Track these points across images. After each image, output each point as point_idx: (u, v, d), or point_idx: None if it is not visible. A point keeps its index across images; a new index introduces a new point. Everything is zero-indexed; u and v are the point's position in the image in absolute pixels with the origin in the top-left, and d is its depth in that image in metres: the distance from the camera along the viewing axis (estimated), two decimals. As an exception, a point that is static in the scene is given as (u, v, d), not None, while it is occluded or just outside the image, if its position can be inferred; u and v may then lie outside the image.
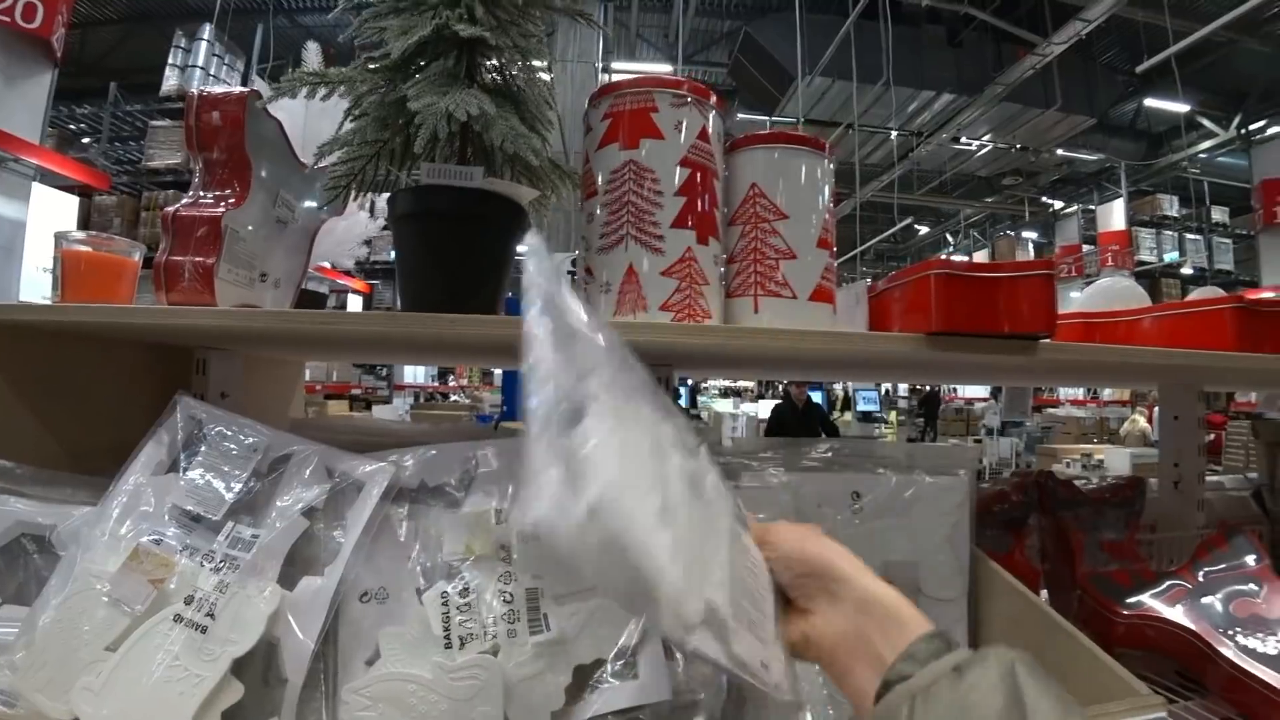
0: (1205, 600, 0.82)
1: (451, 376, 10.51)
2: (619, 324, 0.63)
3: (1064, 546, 1.06)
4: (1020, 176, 10.88)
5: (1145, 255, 9.71)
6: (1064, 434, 6.70)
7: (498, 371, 7.29)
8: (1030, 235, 12.41)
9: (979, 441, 4.91)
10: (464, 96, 0.62)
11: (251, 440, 0.70)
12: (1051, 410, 8.23)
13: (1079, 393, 8.88)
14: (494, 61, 0.76)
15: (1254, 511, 1.35)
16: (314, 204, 0.92)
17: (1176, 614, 0.82)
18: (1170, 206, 10.02)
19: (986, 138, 9.36)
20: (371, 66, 0.73)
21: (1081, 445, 5.35)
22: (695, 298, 0.67)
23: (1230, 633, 0.77)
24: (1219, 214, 10.26)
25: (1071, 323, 1.04)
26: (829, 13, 7.06)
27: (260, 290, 0.83)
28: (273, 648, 0.62)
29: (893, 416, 9.49)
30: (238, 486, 0.66)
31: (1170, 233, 9.92)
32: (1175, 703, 0.79)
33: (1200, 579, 0.86)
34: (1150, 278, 9.31)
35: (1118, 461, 4.11)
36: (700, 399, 12.72)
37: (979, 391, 10.05)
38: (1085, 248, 10.34)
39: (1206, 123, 9.18)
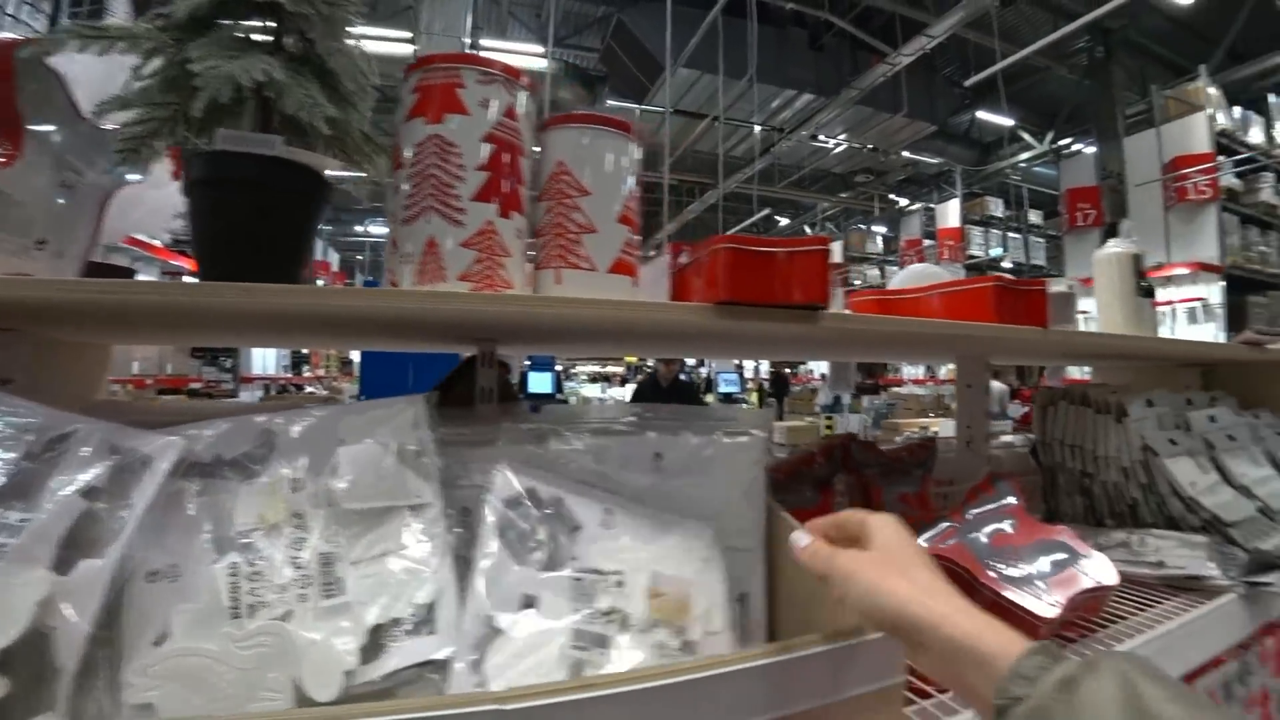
0: (971, 536, 0.95)
1: (307, 366, 9.83)
2: (418, 292, 0.64)
3: (867, 500, 1.18)
4: (871, 175, 11.76)
5: (975, 250, 10.82)
6: (905, 409, 7.37)
7: (356, 359, 6.92)
8: (880, 229, 13.41)
9: (830, 420, 5.27)
10: (252, 62, 0.61)
11: (23, 420, 0.65)
12: (896, 389, 9.06)
13: (919, 372, 9.76)
14: (300, 29, 0.74)
15: (1031, 465, 1.57)
16: (107, 168, 0.85)
17: (946, 549, 0.94)
18: (996, 208, 11.21)
19: (842, 137, 10.00)
20: (159, 24, 0.70)
21: (920, 419, 5.93)
22: (495, 269, 0.69)
23: (989, 562, 0.90)
24: (1035, 217, 11.68)
25: (868, 299, 1.16)
26: (700, 6, 7.25)
27: (38, 259, 0.77)
28: (45, 638, 0.58)
29: (754, 398, 9.99)
30: (4, 470, 0.62)
31: (996, 231, 11.09)
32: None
33: (968, 518, 0.99)
34: (979, 270, 10.36)
35: (948, 431, 4.58)
36: (568, 384, 12.77)
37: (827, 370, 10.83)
38: (926, 242, 11.34)
39: (1026, 136, 10.33)
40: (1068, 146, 9.82)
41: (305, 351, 9.88)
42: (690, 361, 12.12)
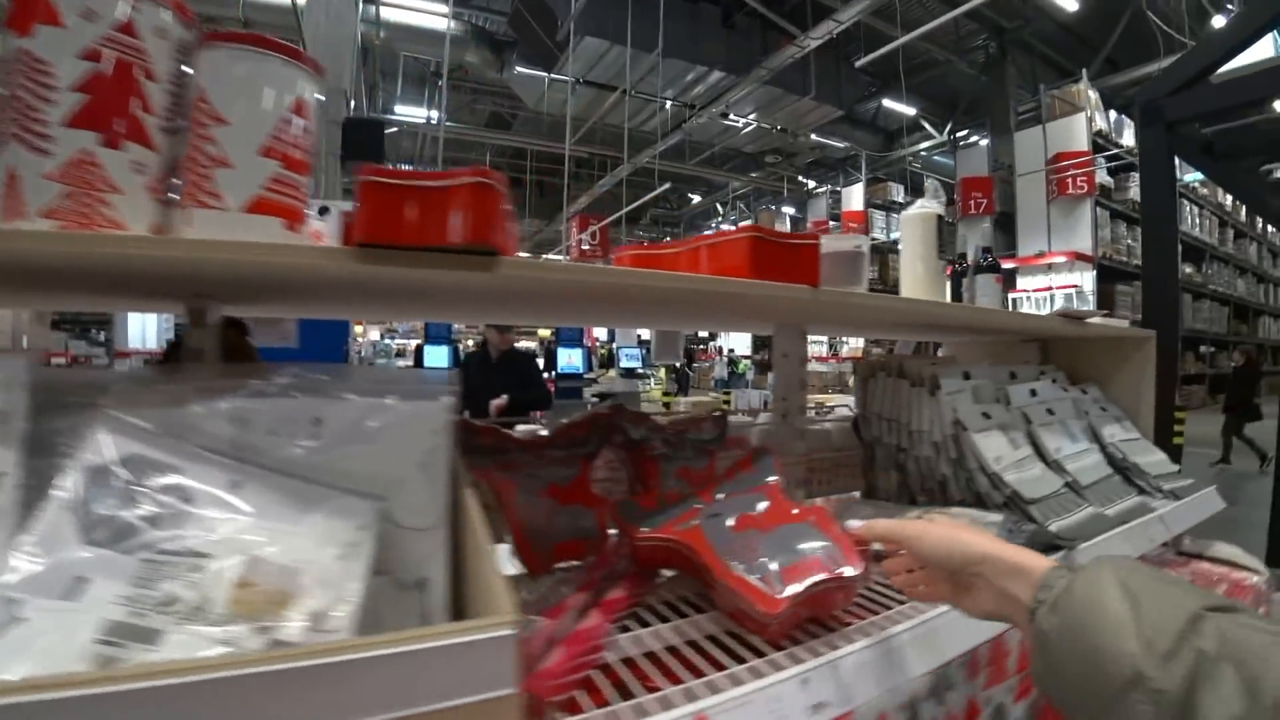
0: (713, 518, 0.83)
1: None
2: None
3: (640, 476, 1.06)
4: (780, 156, 11.85)
5: (877, 233, 11.11)
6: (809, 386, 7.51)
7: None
8: (789, 210, 13.60)
9: (727, 394, 5.25)
10: None
11: None
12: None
13: (823, 351, 9.97)
14: None
15: (852, 440, 1.49)
16: None
17: (679, 532, 0.82)
18: (898, 193, 11.54)
19: (752, 116, 9.99)
20: None
21: (820, 395, 6.02)
22: (95, 206, 0.57)
23: (726, 547, 0.78)
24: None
25: (630, 254, 1.03)
26: (611, -26, 7.02)
27: None
28: None
29: (662, 373, 9.94)
30: None
31: (896, 215, 11.43)
32: (678, 619, 0.79)
33: (718, 498, 0.88)
34: (880, 252, 10.65)
35: (843, 407, 4.65)
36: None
37: (741, 350, 10.93)
38: (831, 223, 11.56)
39: (927, 126, 10.65)
40: (965, 138, 10.20)
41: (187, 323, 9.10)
42: (601, 334, 11.93)
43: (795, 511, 0.84)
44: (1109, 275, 8.25)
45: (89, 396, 0.59)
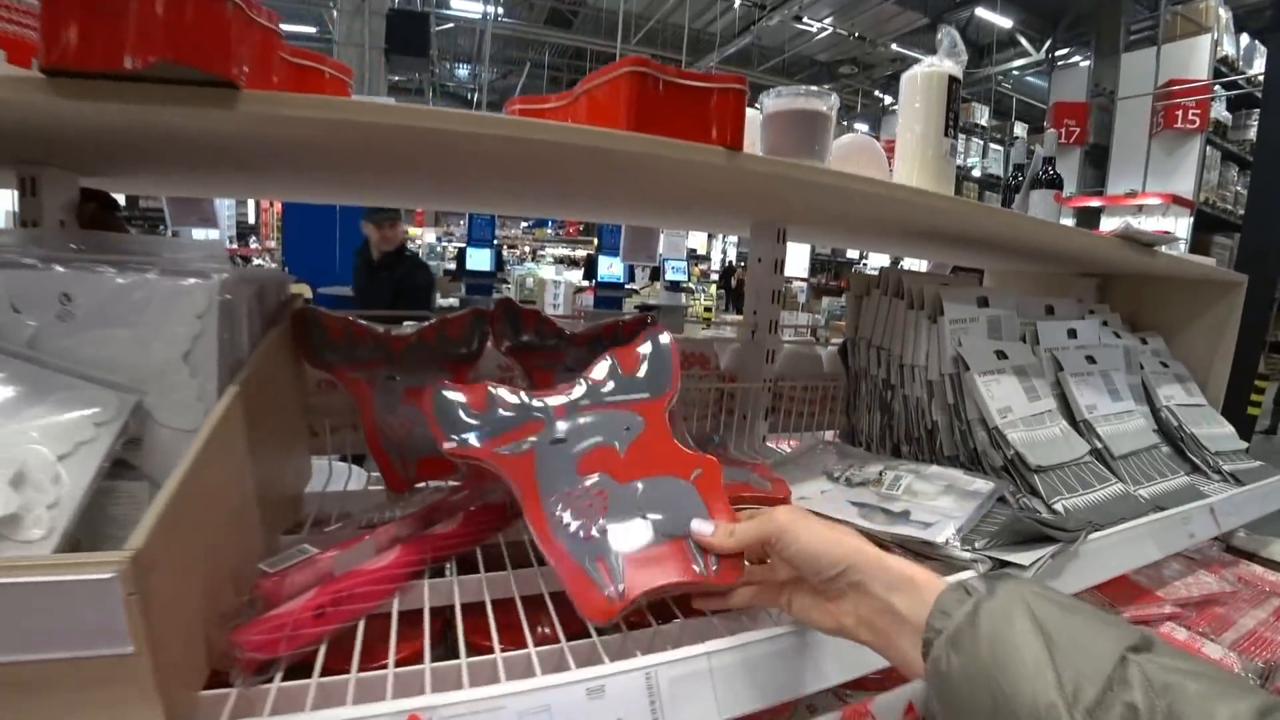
0: (558, 444, 0.60)
1: (255, 238, 9.33)
2: None
3: (530, 384, 0.83)
4: (856, 67, 10.90)
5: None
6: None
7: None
8: (861, 127, 12.67)
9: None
10: None
11: None
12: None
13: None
14: None
15: (832, 368, 1.23)
16: None
17: (507, 458, 0.59)
18: (981, 116, 10.53)
19: (828, 20, 9.13)
20: None
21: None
22: None
23: (560, 495, 0.56)
24: (1020, 129, 10.98)
25: (520, 108, 0.77)
26: None
27: None
28: None
29: (713, 289, 9.55)
30: None
31: (978, 141, 10.48)
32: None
33: (576, 405, 0.64)
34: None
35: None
36: (526, 265, 12.20)
37: (797, 270, 10.45)
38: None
39: (1023, 41, 9.55)
40: (1065, 57, 9.12)
41: (252, 221, 9.33)
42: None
43: (677, 456, 0.60)
44: (1208, 224, 7.40)
45: None
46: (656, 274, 9.86)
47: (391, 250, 3.31)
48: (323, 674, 0.50)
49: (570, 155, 0.59)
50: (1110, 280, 1.50)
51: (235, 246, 8.52)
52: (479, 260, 7.71)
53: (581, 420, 0.62)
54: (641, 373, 0.68)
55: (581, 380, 0.65)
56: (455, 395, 0.62)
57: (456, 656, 0.54)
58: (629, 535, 0.54)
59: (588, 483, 0.57)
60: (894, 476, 0.80)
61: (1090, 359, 1.10)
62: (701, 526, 0.55)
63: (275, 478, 0.73)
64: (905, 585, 0.46)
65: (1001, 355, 0.97)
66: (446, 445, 0.59)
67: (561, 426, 0.62)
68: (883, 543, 0.70)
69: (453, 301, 7.82)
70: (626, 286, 8.35)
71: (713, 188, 0.75)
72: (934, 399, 0.96)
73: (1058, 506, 0.80)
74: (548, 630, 0.56)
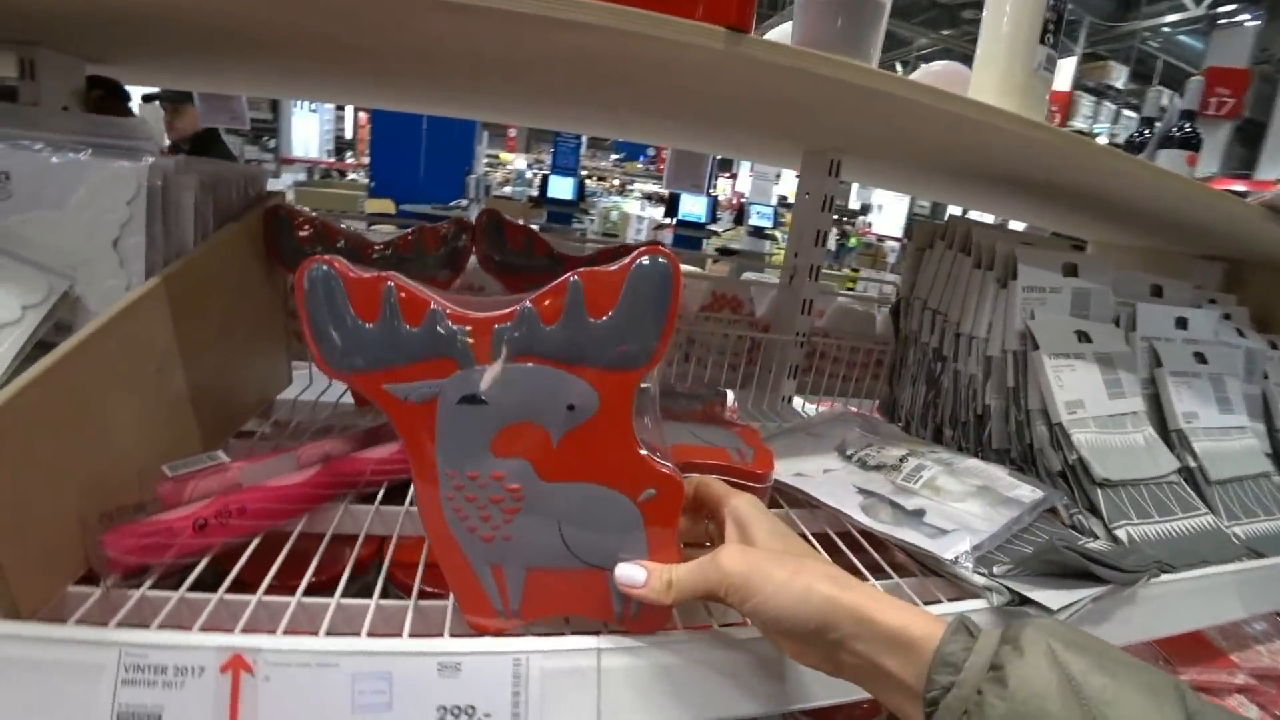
0: (469, 403, 0.49)
1: (351, 153, 9.61)
2: None
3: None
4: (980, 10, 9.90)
5: (1080, 123, 9.26)
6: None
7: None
8: (979, 84, 11.62)
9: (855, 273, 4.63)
10: None
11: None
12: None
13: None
14: None
15: (885, 330, 1.07)
16: None
17: (404, 406, 0.49)
18: (1119, 78, 9.44)
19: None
20: None
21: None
22: None
23: (457, 482, 0.46)
24: (1164, 97, 9.80)
25: None
26: None
27: None
28: None
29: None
30: None
31: (1110, 105, 9.44)
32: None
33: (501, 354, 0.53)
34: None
35: None
36: (612, 198, 12.04)
37: (891, 226, 9.89)
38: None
39: (1184, -9, 8.41)
40: (1230, 14, 8.00)
41: (349, 136, 9.58)
42: (745, 187, 11.06)
43: (628, 461, 0.43)
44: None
45: None
46: (741, 217, 9.53)
47: (184, 140, 2.77)
48: (226, 587, 0.47)
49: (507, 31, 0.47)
50: (1241, 267, 1.25)
51: (331, 160, 8.80)
52: (561, 188, 7.69)
53: (510, 378, 0.42)
54: (613, 318, 0.42)
55: (527, 305, 0.42)
56: (338, 283, 0.42)
57: (365, 593, 0.48)
58: (539, 550, 0.43)
59: (501, 468, 0.42)
60: (916, 465, 0.66)
61: (1200, 357, 0.91)
62: (631, 573, 0.42)
63: (228, 380, 0.68)
64: (897, 646, 0.37)
65: (1084, 337, 0.79)
66: (321, 362, 0.43)
67: (481, 376, 0.42)
68: (878, 556, 0.58)
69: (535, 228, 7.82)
70: (708, 227, 8.14)
71: (721, 89, 0.61)
72: (990, 379, 0.81)
73: (1120, 533, 0.65)
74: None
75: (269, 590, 0.47)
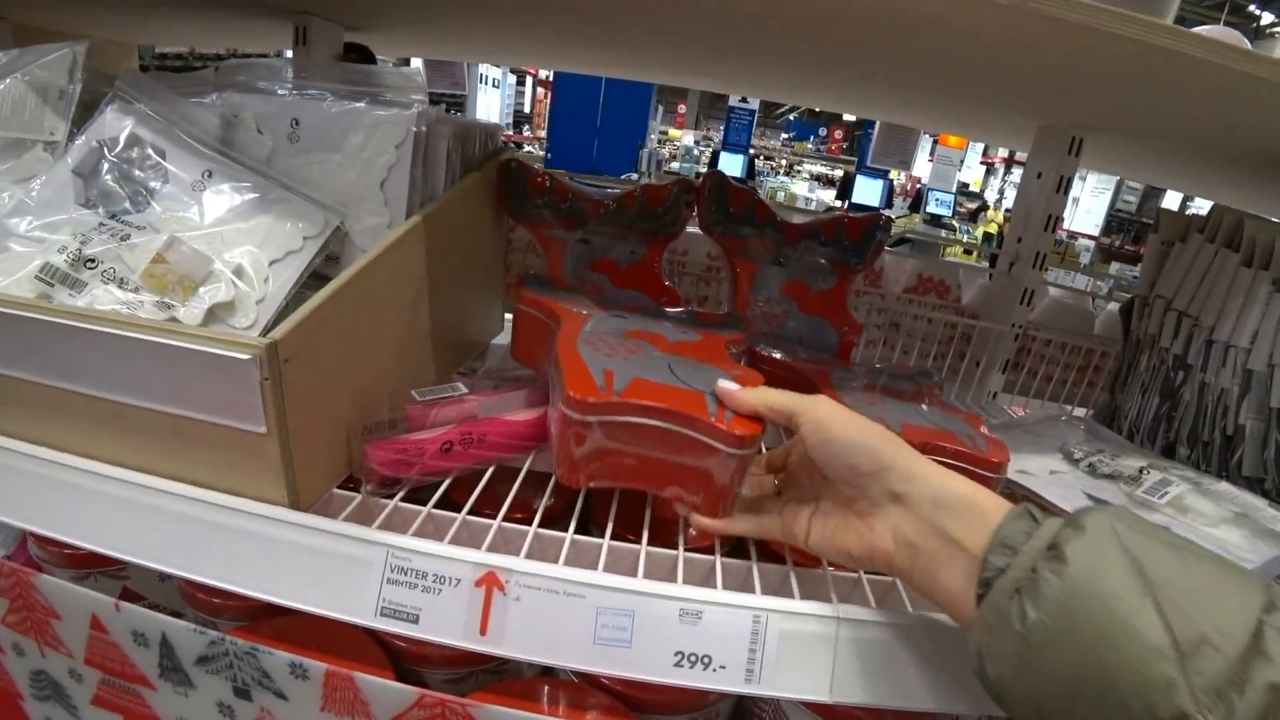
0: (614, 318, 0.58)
1: (528, 126, 10.10)
2: None
3: (733, 276, 0.74)
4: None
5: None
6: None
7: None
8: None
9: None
10: None
11: None
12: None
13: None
14: None
15: (1110, 332, 0.97)
16: None
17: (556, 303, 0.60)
18: None
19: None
20: None
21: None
22: None
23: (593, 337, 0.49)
24: None
25: None
26: None
27: None
28: None
29: (980, 232, 8.45)
30: None
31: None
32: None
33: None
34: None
35: None
36: (780, 178, 11.78)
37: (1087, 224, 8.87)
38: None
39: None
40: None
41: (527, 110, 10.09)
42: (923, 173, 10.43)
43: (723, 358, 0.56)
44: None
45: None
46: (917, 205, 8.94)
47: None
48: (468, 509, 0.52)
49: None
50: None
51: (511, 133, 9.30)
52: (731, 165, 7.62)
53: (647, 317, 0.63)
54: (717, 320, 0.66)
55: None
56: (546, 277, 0.69)
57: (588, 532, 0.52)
58: (647, 368, 0.51)
59: (629, 340, 0.56)
60: (1160, 479, 0.60)
61: None
62: (728, 383, 0.48)
63: (458, 318, 0.74)
64: (961, 505, 0.37)
65: (1382, 356, 0.68)
66: (523, 293, 0.64)
67: (627, 314, 0.63)
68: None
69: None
70: (882, 213, 7.73)
71: (986, 54, 0.57)
72: (1248, 396, 0.71)
73: None
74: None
75: (506, 516, 0.51)
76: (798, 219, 0.73)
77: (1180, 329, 0.79)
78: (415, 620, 0.42)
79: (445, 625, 0.42)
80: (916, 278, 0.96)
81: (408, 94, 0.61)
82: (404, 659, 0.56)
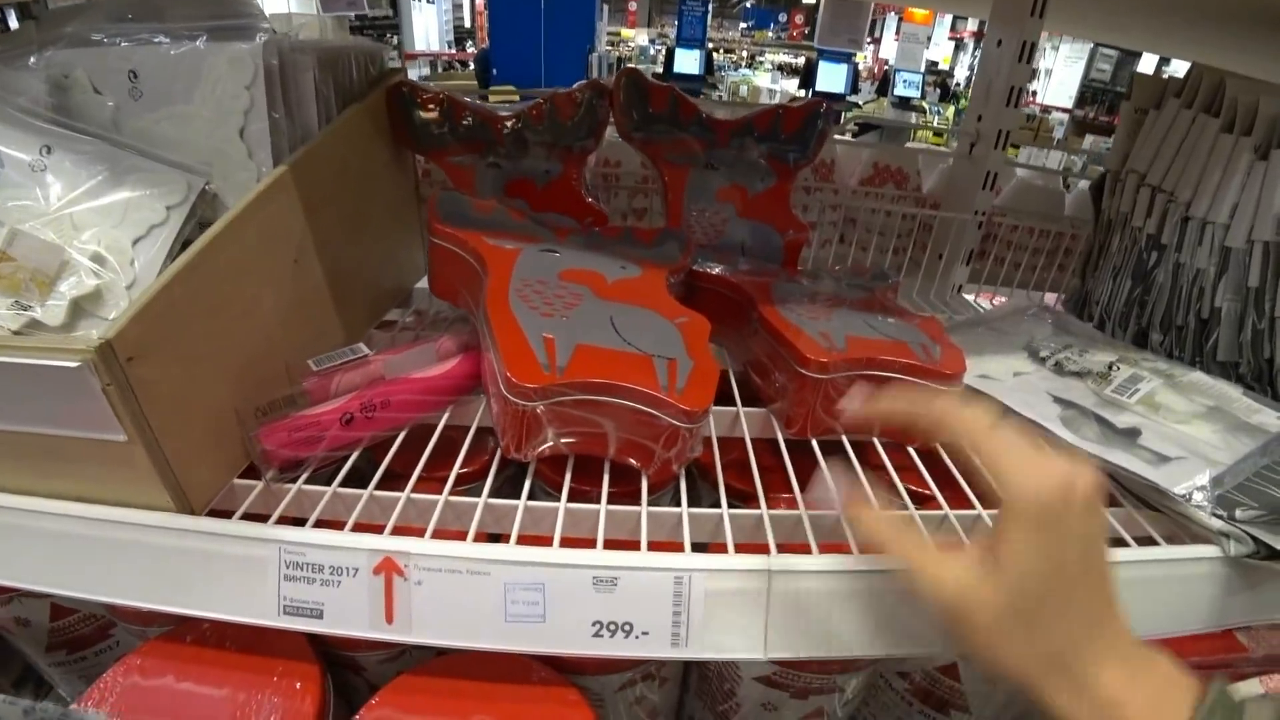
0: (545, 253, 0.46)
1: (471, 43, 9.49)
2: None
3: (664, 185, 0.67)
4: None
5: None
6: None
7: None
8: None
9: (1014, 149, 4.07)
10: None
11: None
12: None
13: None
14: None
15: (1077, 211, 0.91)
16: None
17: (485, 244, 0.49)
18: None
19: None
20: None
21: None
22: None
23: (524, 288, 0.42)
24: None
25: None
26: None
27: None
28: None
29: (950, 112, 8.16)
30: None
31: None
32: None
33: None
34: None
35: None
36: (741, 71, 11.25)
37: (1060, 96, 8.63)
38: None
39: None
40: None
41: (468, 25, 9.49)
42: (889, 54, 9.98)
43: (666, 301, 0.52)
44: None
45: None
46: (884, 87, 8.60)
47: None
48: (375, 484, 0.48)
49: None
50: None
51: (453, 51, 8.78)
52: (687, 62, 7.26)
53: (580, 248, 0.58)
54: (655, 243, 0.61)
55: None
56: (462, 196, 0.60)
57: (512, 486, 0.48)
58: (591, 330, 0.46)
59: (565, 285, 0.50)
60: (1130, 375, 0.56)
61: None
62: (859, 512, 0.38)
63: (365, 269, 0.67)
64: (1111, 709, 0.29)
65: (1369, 222, 0.62)
66: (436, 225, 0.56)
67: (558, 246, 0.57)
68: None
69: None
70: (848, 99, 7.45)
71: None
72: (1225, 276, 0.66)
73: None
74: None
75: (418, 485, 0.47)
76: (728, 114, 0.65)
77: (1154, 206, 0.73)
78: (320, 615, 0.40)
79: (350, 617, 0.40)
80: (873, 168, 0.88)
81: (248, 20, 0.52)
82: (333, 645, 0.52)
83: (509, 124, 0.65)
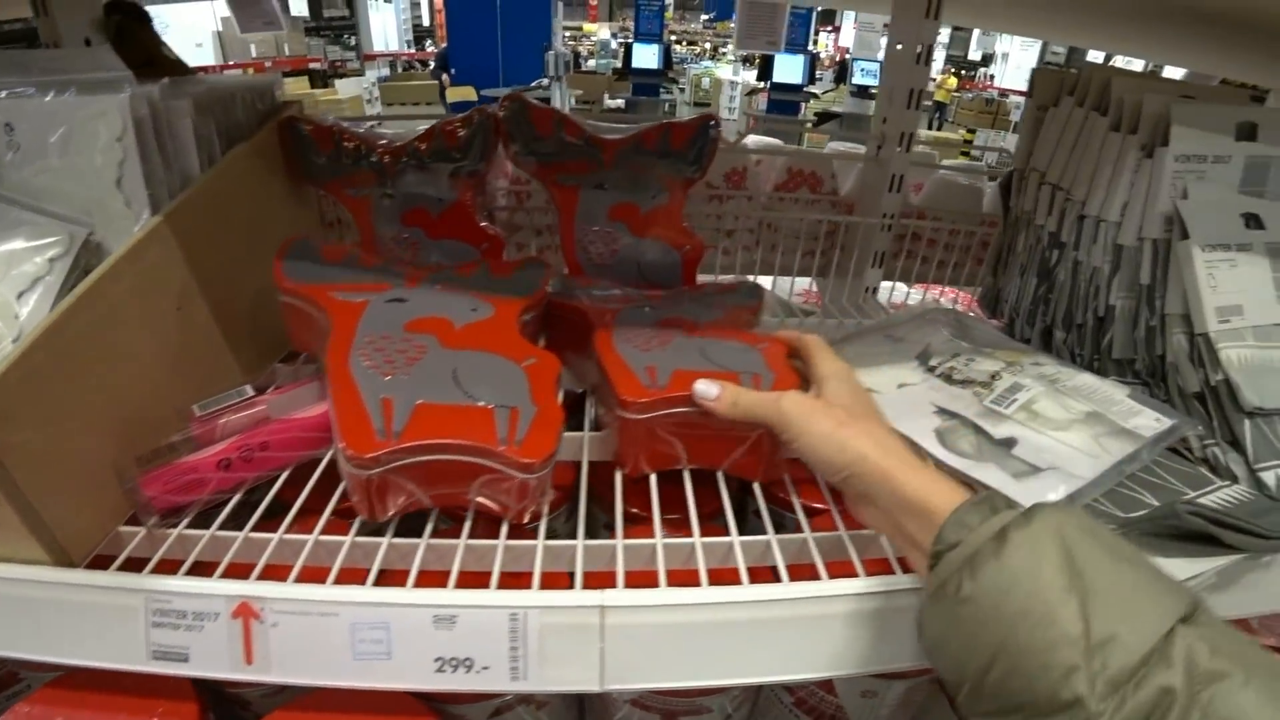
0: (395, 304, 0.47)
1: (430, 41, 9.34)
2: None
3: (556, 206, 0.66)
4: None
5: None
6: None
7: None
8: None
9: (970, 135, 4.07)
10: None
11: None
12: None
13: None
14: None
15: (994, 208, 0.91)
16: None
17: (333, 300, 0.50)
18: None
19: None
20: None
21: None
22: None
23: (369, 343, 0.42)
24: None
25: None
26: None
27: None
28: None
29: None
30: None
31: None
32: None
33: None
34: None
35: None
36: (703, 64, 11.15)
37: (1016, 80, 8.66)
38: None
39: None
40: None
41: (427, 24, 9.33)
42: (848, 42, 9.90)
43: (515, 343, 0.53)
44: None
45: None
46: (843, 75, 8.54)
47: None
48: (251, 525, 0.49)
49: None
50: None
51: (412, 51, 8.62)
52: (645, 57, 7.23)
53: (430, 292, 0.58)
54: (513, 277, 0.62)
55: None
56: (313, 244, 0.60)
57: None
58: (431, 387, 0.47)
59: (409, 338, 0.51)
60: (1011, 384, 0.56)
61: None
62: (706, 388, 0.49)
63: (260, 305, 0.66)
64: (916, 510, 0.39)
65: (1253, 222, 0.63)
66: (281, 282, 0.56)
67: (408, 292, 0.57)
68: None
69: (619, 104, 7.39)
70: (805, 89, 7.43)
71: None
72: (1119, 273, 0.66)
73: (1268, 476, 0.52)
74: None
75: (308, 523, 0.47)
76: (614, 134, 0.64)
77: (1054, 204, 0.73)
78: (185, 659, 0.42)
79: (213, 660, 0.42)
80: (786, 173, 0.88)
81: (111, 72, 0.52)
82: (216, 682, 0.53)
83: (399, 154, 0.64)
